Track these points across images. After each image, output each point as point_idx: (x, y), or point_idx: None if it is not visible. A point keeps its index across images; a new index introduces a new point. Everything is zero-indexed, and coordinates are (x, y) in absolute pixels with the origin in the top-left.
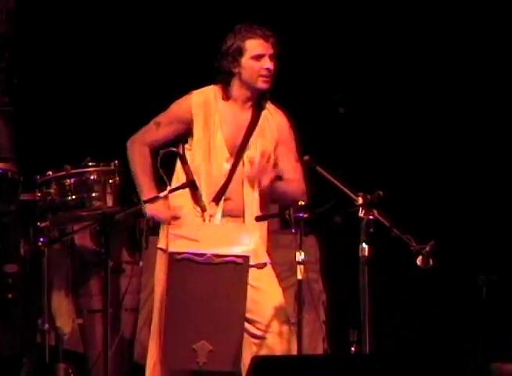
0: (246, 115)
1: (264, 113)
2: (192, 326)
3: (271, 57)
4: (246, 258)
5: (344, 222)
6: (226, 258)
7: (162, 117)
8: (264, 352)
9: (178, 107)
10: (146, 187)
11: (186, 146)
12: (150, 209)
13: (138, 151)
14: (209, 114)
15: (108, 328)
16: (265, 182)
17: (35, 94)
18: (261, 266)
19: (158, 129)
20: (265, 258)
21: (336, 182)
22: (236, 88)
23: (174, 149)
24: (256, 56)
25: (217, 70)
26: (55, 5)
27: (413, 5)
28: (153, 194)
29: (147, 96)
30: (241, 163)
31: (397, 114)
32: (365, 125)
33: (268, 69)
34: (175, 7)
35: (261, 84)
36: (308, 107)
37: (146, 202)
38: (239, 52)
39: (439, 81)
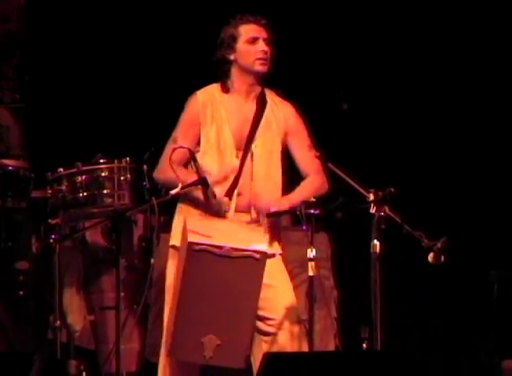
0: (251, 107)
1: (270, 105)
2: (202, 318)
3: (265, 41)
4: (264, 254)
5: (345, 218)
6: (245, 253)
7: (177, 132)
8: (274, 349)
9: (187, 113)
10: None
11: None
12: None
13: (169, 172)
14: (216, 110)
15: (120, 324)
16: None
17: (46, 91)
18: (270, 256)
19: (177, 144)
20: (278, 250)
21: (347, 178)
22: (236, 78)
23: (184, 147)
24: (250, 39)
25: (215, 62)
26: (66, 2)
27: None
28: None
29: (157, 93)
30: (248, 156)
31: (409, 111)
32: (378, 122)
33: (263, 51)
34: (188, 11)
35: (258, 67)
36: (318, 103)
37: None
38: (234, 38)
39: (453, 74)
